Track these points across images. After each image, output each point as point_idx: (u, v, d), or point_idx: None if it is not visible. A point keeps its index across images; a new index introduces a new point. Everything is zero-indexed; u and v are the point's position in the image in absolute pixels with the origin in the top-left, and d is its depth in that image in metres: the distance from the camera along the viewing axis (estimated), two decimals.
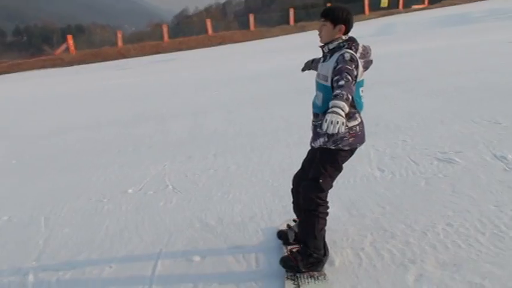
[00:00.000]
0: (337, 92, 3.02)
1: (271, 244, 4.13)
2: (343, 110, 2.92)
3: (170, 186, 6.02)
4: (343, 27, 3.36)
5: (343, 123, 2.89)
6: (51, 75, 32.76)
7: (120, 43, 51.84)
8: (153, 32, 63.87)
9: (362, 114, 3.51)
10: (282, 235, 4.10)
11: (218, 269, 3.77)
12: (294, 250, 3.67)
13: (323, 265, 3.59)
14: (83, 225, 5.08)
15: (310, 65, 3.77)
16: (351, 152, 3.52)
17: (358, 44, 3.40)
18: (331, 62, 3.30)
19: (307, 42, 31.81)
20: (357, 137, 3.45)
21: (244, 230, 4.48)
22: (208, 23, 54.00)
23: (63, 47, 53.72)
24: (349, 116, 3.32)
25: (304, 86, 12.87)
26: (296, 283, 3.44)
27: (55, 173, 7.38)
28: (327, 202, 3.58)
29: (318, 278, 3.48)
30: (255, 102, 11.31)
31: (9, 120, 13.85)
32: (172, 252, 4.19)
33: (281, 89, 13.02)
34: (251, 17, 54.99)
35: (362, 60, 3.39)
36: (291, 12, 54.55)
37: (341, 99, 2.96)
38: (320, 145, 3.48)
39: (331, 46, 3.40)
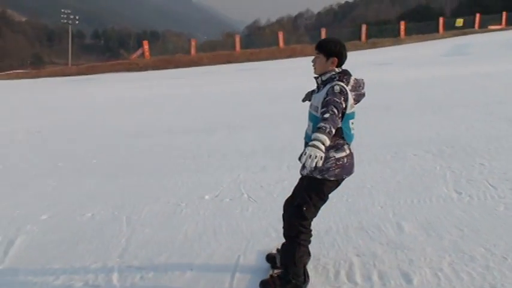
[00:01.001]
0: (320, 124, 3.13)
1: (348, 258, 4.18)
2: (323, 144, 3.04)
3: (245, 195, 6.16)
4: (335, 59, 3.48)
5: (321, 158, 3.00)
6: (127, 79, 33.80)
7: (193, 51, 52.92)
8: (225, 42, 64.80)
9: (352, 145, 3.60)
10: (270, 258, 4.14)
11: None
12: (275, 275, 3.74)
13: None
14: (162, 227, 5.28)
15: (310, 95, 3.81)
16: (337, 182, 3.62)
17: (350, 77, 3.47)
18: (323, 93, 3.41)
19: (380, 59, 31.59)
20: (344, 168, 3.54)
21: (320, 242, 4.55)
22: (281, 35, 54.35)
23: (139, 52, 55.25)
24: (337, 148, 3.47)
25: (376, 103, 12.83)
26: None
27: (133, 175, 7.66)
28: (310, 230, 3.67)
29: None
30: None
31: (89, 121, 14.43)
32: (251, 259, 4.30)
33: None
34: (323, 31, 54.94)
35: (353, 93, 3.44)
36: (364, 28, 54.17)
37: (323, 132, 3.08)
38: (307, 173, 3.57)
39: (323, 78, 3.51)
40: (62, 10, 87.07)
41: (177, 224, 5.31)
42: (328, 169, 3.48)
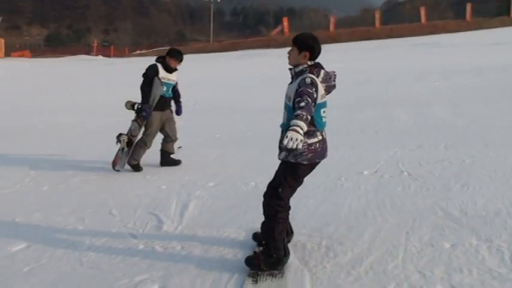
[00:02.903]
0: (297, 112, 3.43)
1: None
2: (302, 129, 3.34)
3: (405, 173, 6.14)
4: (307, 53, 3.75)
5: (301, 141, 3.30)
6: (269, 55, 34.45)
7: (332, 27, 52.68)
8: (363, 18, 63.74)
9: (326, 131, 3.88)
10: (256, 237, 4.37)
11: (470, 258, 3.82)
12: (258, 251, 3.99)
13: (283, 264, 3.86)
14: (325, 199, 5.42)
15: None
16: (311, 166, 3.86)
17: (320, 70, 3.74)
18: (295, 85, 3.70)
19: None
20: (316, 153, 3.80)
21: (491, 224, 4.45)
22: (423, 11, 52.38)
23: (279, 28, 55.98)
24: (309, 134, 3.69)
25: None
26: (255, 280, 3.74)
27: None
28: (287, 209, 3.97)
29: (275, 276, 3.77)
30: (482, 96, 10.90)
31: (240, 95, 14.96)
32: (420, 236, 4.30)
33: (509, 84, 12.37)
34: (468, 6, 52.14)
35: (324, 85, 3.74)
36: None
37: (301, 119, 3.38)
38: (283, 158, 3.85)
39: (296, 70, 3.80)
40: None
41: (340, 198, 5.42)
42: (301, 154, 3.74)
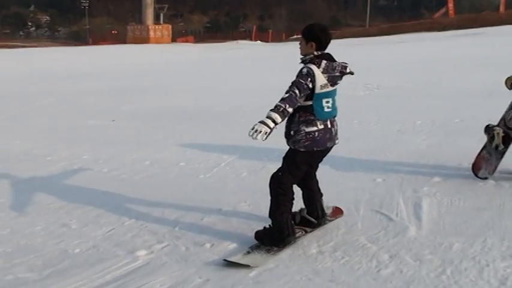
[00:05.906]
0: (277, 103, 3.58)
1: None
2: (273, 121, 3.50)
3: None
4: (313, 44, 3.78)
5: (266, 133, 3.46)
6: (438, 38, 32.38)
7: (502, 8, 49.18)
8: None
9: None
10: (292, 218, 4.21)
11: None
12: (267, 226, 3.95)
13: (284, 244, 3.84)
14: None
15: None
16: (310, 154, 3.84)
17: (321, 61, 3.73)
18: None
19: None
20: (314, 142, 3.79)
21: None
22: None
23: (442, 10, 53.27)
24: (307, 122, 3.76)
25: None
26: (250, 250, 3.84)
27: None
28: (289, 193, 3.89)
29: (268, 251, 3.80)
30: None
31: (425, 79, 13.59)
32: None
33: None
34: None
35: (326, 75, 3.71)
36: None
37: (276, 111, 3.53)
38: (288, 144, 3.90)
39: (303, 59, 3.84)
40: None
41: None
42: (298, 141, 3.79)
